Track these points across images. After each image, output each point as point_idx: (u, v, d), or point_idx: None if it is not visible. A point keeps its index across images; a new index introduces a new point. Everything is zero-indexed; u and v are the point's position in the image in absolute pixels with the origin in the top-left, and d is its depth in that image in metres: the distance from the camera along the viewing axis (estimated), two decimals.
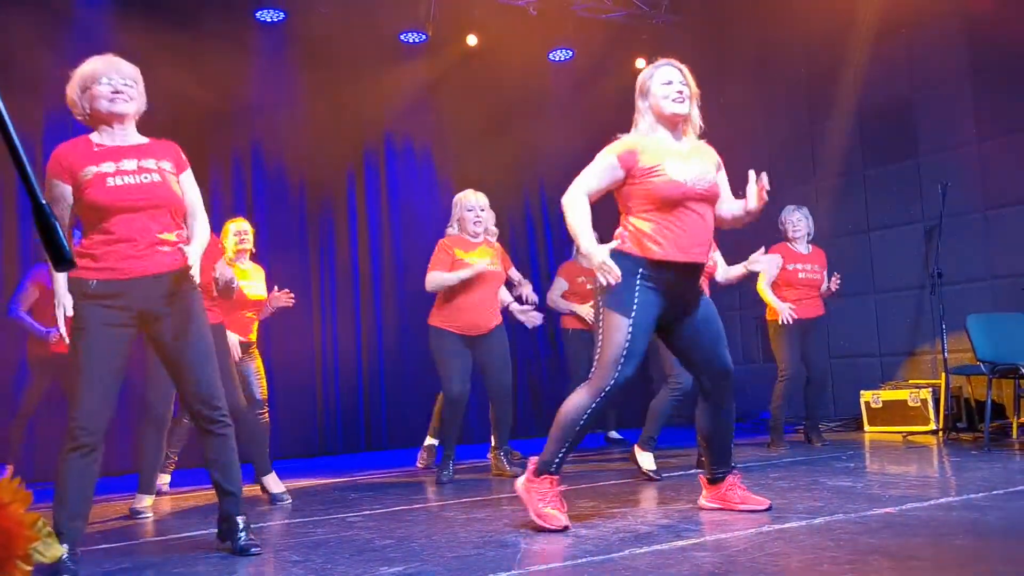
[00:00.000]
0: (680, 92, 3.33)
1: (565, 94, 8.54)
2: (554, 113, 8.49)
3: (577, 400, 3.23)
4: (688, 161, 3.29)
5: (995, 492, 3.49)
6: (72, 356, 2.95)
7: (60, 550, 1.07)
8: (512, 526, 3.32)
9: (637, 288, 3.19)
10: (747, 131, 8.13)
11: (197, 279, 3.10)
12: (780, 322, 5.68)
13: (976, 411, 6.25)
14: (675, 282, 3.24)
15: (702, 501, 3.50)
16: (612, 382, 3.16)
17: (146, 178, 3.01)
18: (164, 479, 5.09)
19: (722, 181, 3.51)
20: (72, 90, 3.08)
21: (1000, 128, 6.58)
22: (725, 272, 5.07)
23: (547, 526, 3.12)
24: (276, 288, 5.10)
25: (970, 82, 6.80)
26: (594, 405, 3.19)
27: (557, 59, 8.49)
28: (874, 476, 4.30)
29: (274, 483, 4.56)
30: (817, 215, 7.68)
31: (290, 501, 4.49)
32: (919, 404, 6.38)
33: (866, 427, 6.69)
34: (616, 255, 3.22)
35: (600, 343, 3.22)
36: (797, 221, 5.95)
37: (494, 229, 5.19)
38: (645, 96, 3.37)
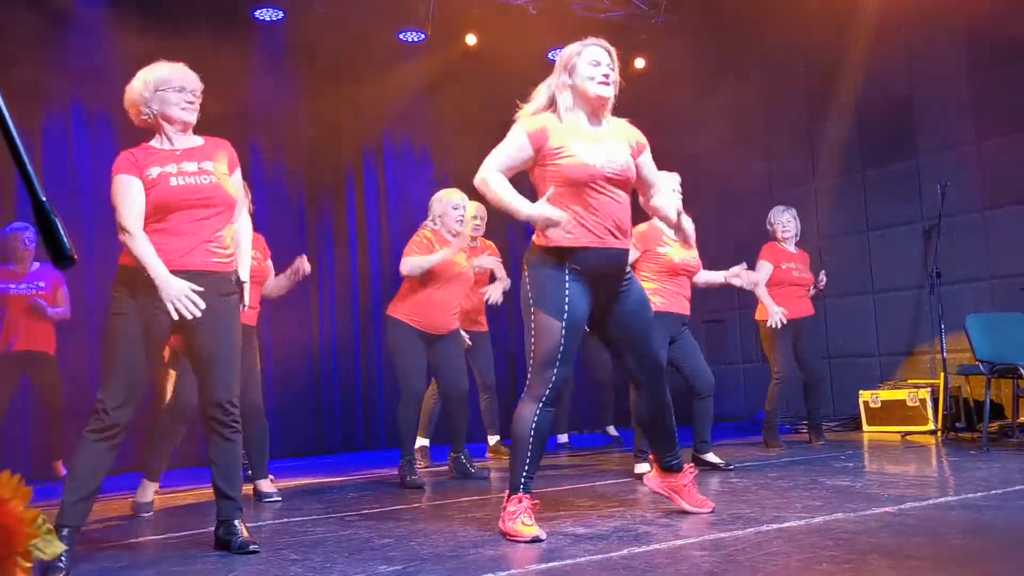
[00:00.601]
0: (606, 75, 3.21)
1: None
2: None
3: (521, 413, 3.11)
4: (600, 143, 3.18)
5: (993, 492, 3.49)
6: (107, 339, 3.07)
7: (60, 547, 1.07)
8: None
9: (567, 284, 3.10)
10: (746, 131, 8.13)
11: (247, 296, 3.29)
12: (770, 323, 5.69)
13: (975, 411, 6.26)
14: (598, 269, 3.12)
15: (651, 484, 3.49)
16: (550, 386, 3.08)
17: (205, 179, 3.14)
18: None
19: (645, 165, 3.36)
20: (142, 90, 3.16)
21: (999, 128, 6.59)
22: (706, 277, 5.05)
23: (517, 541, 2.97)
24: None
25: (969, 82, 6.81)
26: (538, 413, 3.08)
27: (556, 58, 8.48)
28: (873, 476, 4.31)
29: (267, 486, 4.57)
30: (816, 215, 7.72)
31: (280, 501, 4.48)
32: (918, 404, 6.39)
33: (865, 427, 6.70)
34: (537, 249, 3.16)
35: (532, 345, 3.12)
36: (787, 222, 5.96)
37: (476, 233, 5.13)
38: (570, 73, 3.25)
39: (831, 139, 7.75)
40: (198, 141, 3.26)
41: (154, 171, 3.09)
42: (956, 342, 6.18)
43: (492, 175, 3.17)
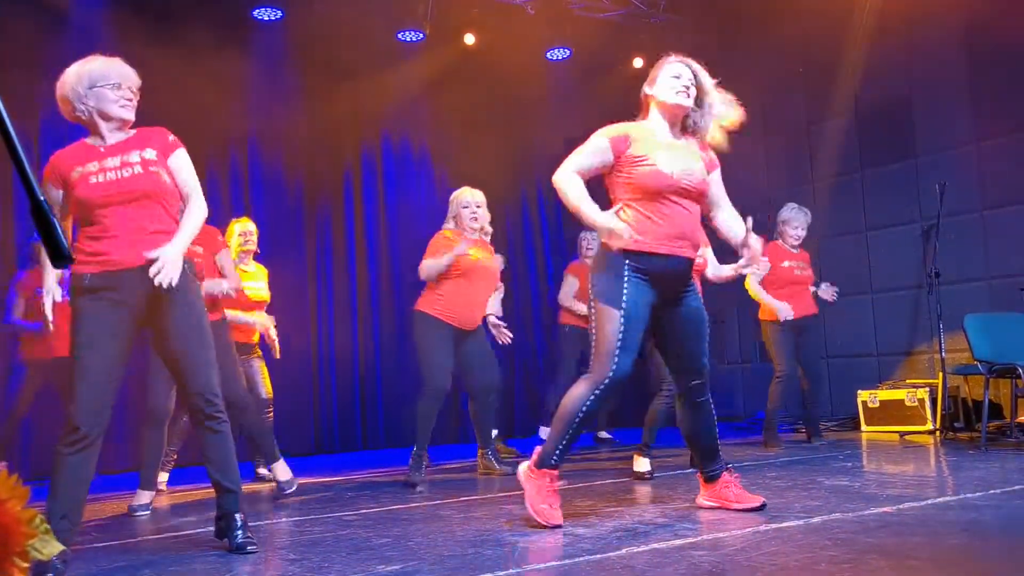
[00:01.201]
0: (686, 87, 3.34)
1: (563, 93, 8.53)
2: (552, 112, 8.48)
3: (576, 392, 3.23)
4: (677, 154, 3.30)
5: (992, 491, 3.49)
6: (71, 350, 2.97)
7: (57, 547, 1.07)
8: (509, 525, 3.32)
9: (626, 279, 3.20)
10: (744, 131, 8.12)
11: (176, 271, 3.00)
12: (779, 321, 5.70)
13: (973, 411, 6.26)
14: (661, 274, 3.24)
15: (700, 500, 3.51)
16: (610, 374, 3.17)
17: (126, 172, 3.03)
18: (162, 477, 5.09)
19: (715, 183, 3.49)
20: (76, 85, 3.06)
21: (998, 128, 6.59)
22: (716, 270, 5.04)
23: (540, 521, 3.14)
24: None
25: (968, 82, 6.81)
26: (592, 398, 3.19)
27: (555, 58, 8.49)
28: (871, 475, 4.31)
29: (283, 471, 4.61)
30: (815, 215, 7.69)
31: (295, 490, 4.56)
32: (916, 404, 6.39)
33: (863, 427, 6.70)
34: (606, 252, 3.25)
35: (595, 336, 3.23)
36: (797, 221, 5.95)
37: (489, 228, 5.13)
38: (652, 84, 3.41)
39: (830, 138, 7.75)
40: (128, 134, 3.15)
41: (76, 172, 3.01)
42: (954, 342, 6.18)
43: (568, 176, 3.28)
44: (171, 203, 3.11)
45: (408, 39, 7.88)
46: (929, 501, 3.34)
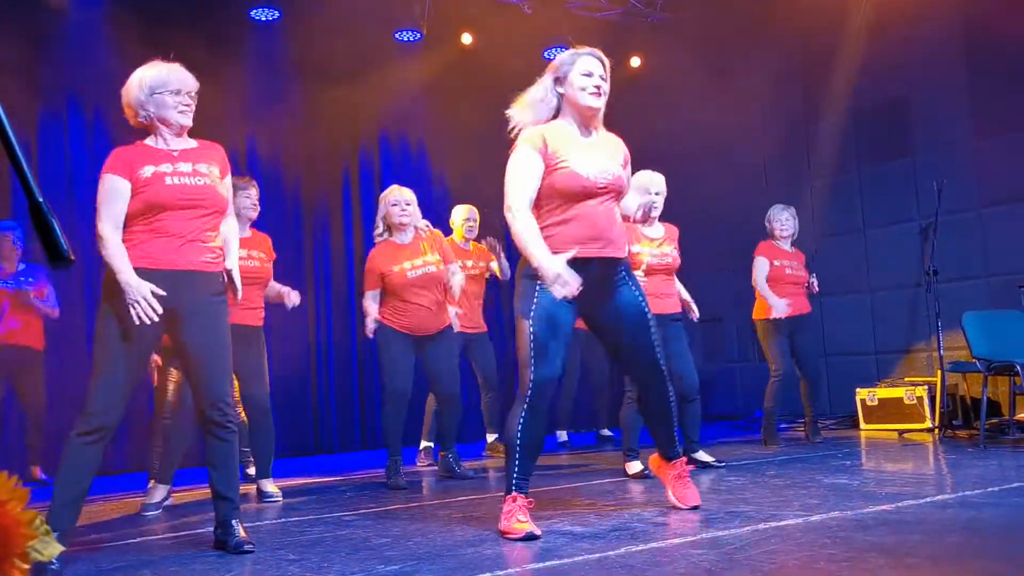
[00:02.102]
0: (598, 86, 3.21)
1: None
2: None
3: (510, 416, 3.17)
4: (591, 154, 3.19)
5: (991, 489, 3.50)
6: (95, 343, 3.06)
7: (58, 548, 1.07)
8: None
9: (538, 288, 3.10)
10: (742, 129, 8.14)
11: (239, 288, 3.30)
12: (770, 318, 5.70)
13: (972, 408, 6.26)
14: (584, 278, 3.04)
15: (651, 462, 3.64)
16: (530, 385, 3.09)
17: (199, 180, 3.15)
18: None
19: (626, 175, 3.38)
20: (137, 92, 3.14)
21: (996, 126, 6.60)
22: (678, 288, 5.02)
23: (513, 538, 3.00)
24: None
25: (966, 80, 6.81)
26: (524, 414, 3.10)
27: (552, 57, 8.47)
28: (870, 473, 4.31)
29: (269, 485, 4.57)
30: (812, 213, 7.72)
31: (280, 500, 4.49)
32: (915, 402, 6.39)
33: (862, 425, 6.70)
34: (524, 261, 3.15)
35: (517, 352, 3.18)
36: (785, 220, 5.96)
37: (423, 223, 5.03)
38: (561, 83, 3.26)
39: (828, 137, 7.75)
40: (192, 143, 3.26)
41: (148, 170, 3.08)
42: (953, 340, 6.19)
43: (523, 216, 3.10)
44: (221, 218, 3.26)
45: (405, 39, 7.88)
46: (928, 499, 3.34)
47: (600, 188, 3.16)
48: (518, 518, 3.04)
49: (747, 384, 8.37)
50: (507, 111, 3.35)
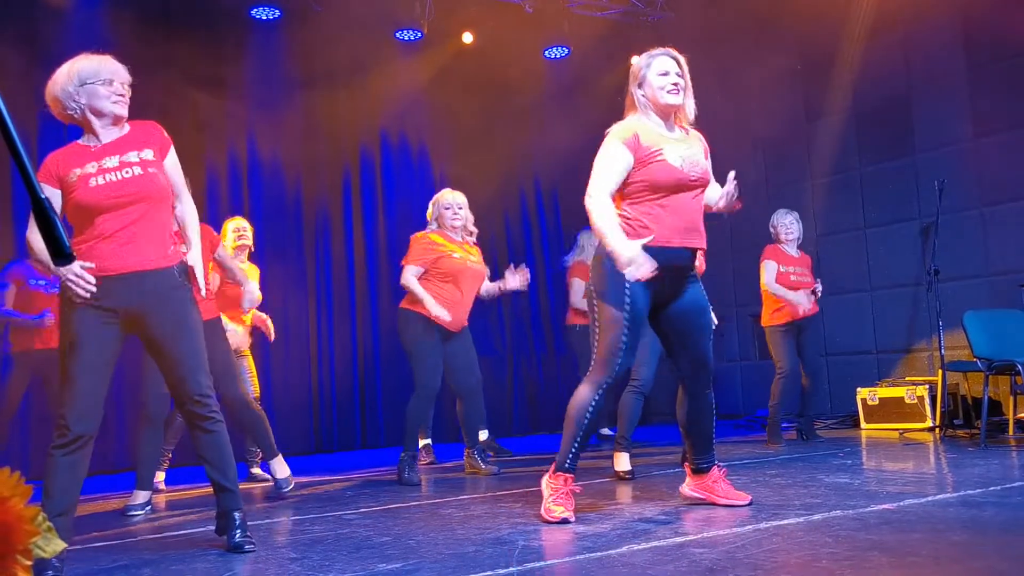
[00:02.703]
0: (676, 84, 3.33)
1: (561, 92, 8.54)
2: (550, 110, 8.49)
3: (581, 396, 3.26)
4: (682, 148, 3.31)
5: (992, 488, 3.49)
6: (60, 351, 2.97)
7: (61, 544, 1.06)
8: (510, 523, 3.32)
9: (628, 280, 3.16)
10: (743, 128, 8.13)
11: (202, 281, 3.16)
12: (782, 326, 5.73)
13: (973, 408, 6.26)
14: (666, 267, 3.21)
15: (685, 489, 3.54)
16: (613, 374, 3.21)
17: (127, 173, 3.00)
18: (159, 476, 5.08)
19: (709, 169, 3.51)
20: (66, 83, 3.02)
21: (997, 125, 6.59)
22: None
23: (547, 519, 3.19)
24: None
25: (967, 79, 6.81)
26: (597, 398, 3.24)
27: (553, 56, 8.49)
28: (871, 473, 4.31)
29: (280, 467, 4.59)
30: (813, 212, 7.73)
31: (292, 488, 4.54)
32: (916, 401, 6.39)
33: (863, 424, 6.70)
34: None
35: (597, 336, 3.25)
36: (789, 224, 5.97)
37: (473, 228, 5.07)
38: (640, 84, 3.37)
39: (828, 136, 7.75)
40: (124, 130, 3.11)
41: (74, 173, 2.96)
42: (954, 339, 6.19)
43: (601, 202, 3.19)
44: (166, 205, 3.10)
45: (406, 38, 7.89)
46: (929, 498, 3.34)
47: (692, 180, 3.28)
48: (560, 501, 3.21)
49: (747, 383, 8.37)
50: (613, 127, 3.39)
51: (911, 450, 5.26)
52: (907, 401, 6.44)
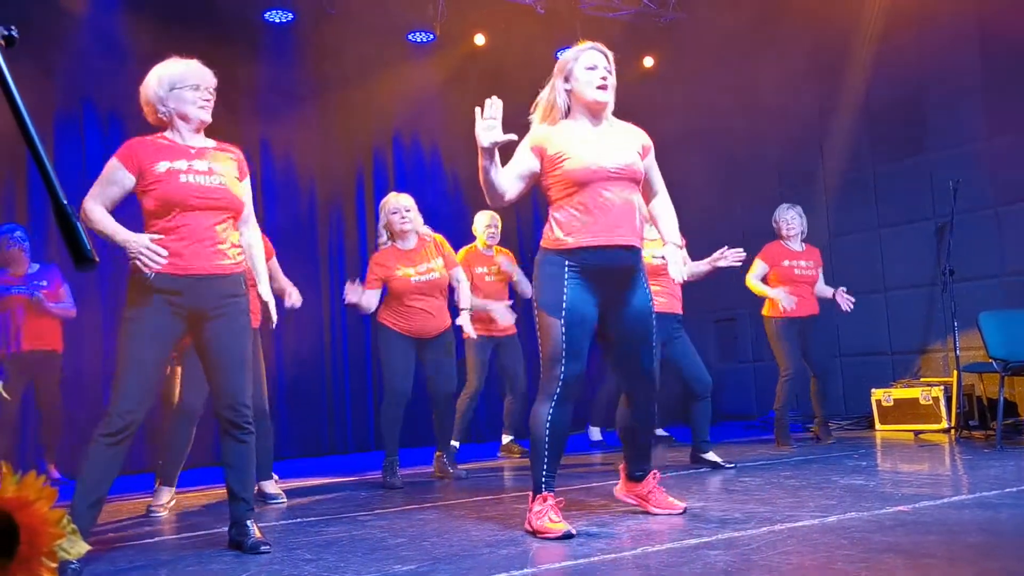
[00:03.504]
0: (604, 79, 3.25)
1: None
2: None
3: (535, 414, 3.15)
4: (600, 143, 3.21)
5: (1008, 490, 3.48)
6: (119, 342, 3.05)
7: (84, 547, 1.08)
8: (524, 525, 3.32)
9: (566, 282, 3.13)
10: (755, 128, 8.12)
11: (274, 312, 3.39)
12: (779, 318, 5.70)
13: (988, 409, 6.23)
14: (602, 268, 3.14)
15: (619, 493, 3.56)
16: (560, 381, 3.09)
17: (215, 180, 3.13)
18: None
19: (649, 164, 3.38)
20: (156, 88, 3.13)
21: (1011, 124, 6.55)
22: (691, 268, 4.97)
23: (547, 537, 3.01)
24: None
25: (981, 78, 6.77)
26: (551, 411, 3.10)
27: None
28: (886, 474, 4.29)
29: (271, 487, 4.59)
30: (826, 212, 7.70)
31: (284, 502, 4.49)
32: (931, 402, 6.36)
33: (877, 425, 6.67)
34: (542, 251, 3.23)
35: (540, 344, 3.17)
36: (791, 219, 5.94)
37: (425, 230, 5.12)
38: (567, 79, 3.30)
39: (842, 135, 7.72)
40: (210, 143, 3.26)
41: (163, 165, 3.07)
42: (969, 339, 6.15)
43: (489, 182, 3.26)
44: (239, 218, 3.26)
45: (418, 40, 7.89)
46: (945, 500, 3.33)
47: (609, 174, 3.15)
48: (551, 517, 3.05)
49: (760, 384, 8.35)
50: (529, 118, 3.39)
51: (926, 451, 5.24)
52: (922, 402, 6.41)
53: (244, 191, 3.28)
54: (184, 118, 3.16)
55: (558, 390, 3.10)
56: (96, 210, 3.05)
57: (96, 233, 3.04)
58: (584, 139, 3.22)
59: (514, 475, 5.18)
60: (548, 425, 3.11)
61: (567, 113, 3.31)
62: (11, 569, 1.01)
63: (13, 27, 1.28)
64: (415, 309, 4.92)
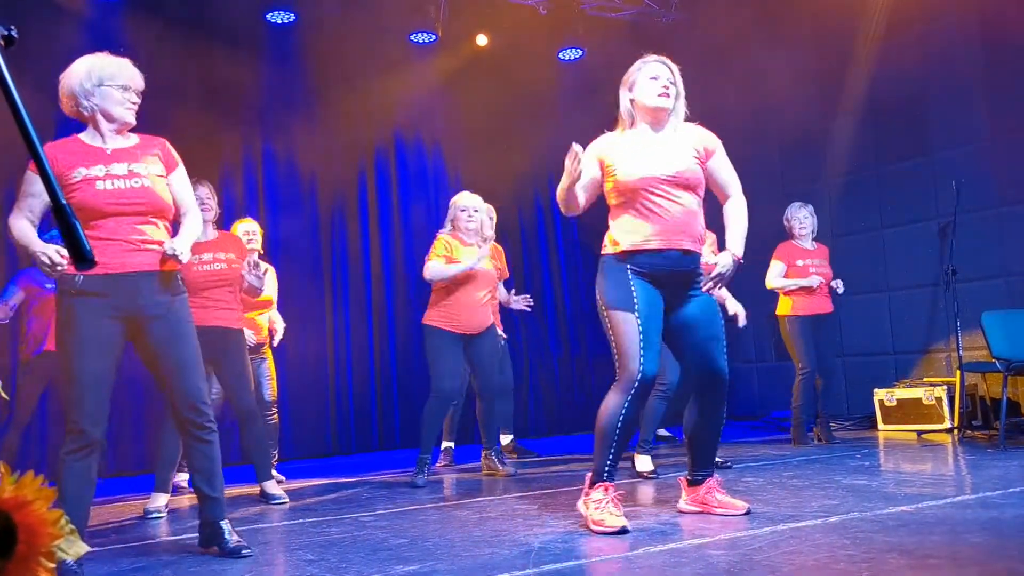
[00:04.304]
0: (666, 87, 3.34)
1: (575, 93, 8.54)
2: (564, 112, 8.49)
3: (609, 404, 3.20)
4: (655, 150, 3.30)
5: (1011, 490, 3.47)
6: (63, 356, 2.93)
7: (83, 547, 1.08)
8: (526, 525, 3.32)
9: (631, 280, 3.20)
10: (758, 128, 8.11)
11: (184, 259, 3.05)
12: (795, 315, 5.74)
13: (991, 409, 6.22)
14: (662, 271, 3.23)
15: (681, 504, 3.49)
16: (638, 377, 3.14)
17: (136, 183, 2.99)
18: (182, 477, 5.10)
19: (717, 169, 3.43)
20: (84, 80, 2.99)
21: (1014, 124, 6.54)
22: (726, 294, 5.12)
23: (604, 531, 3.04)
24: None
25: (983, 78, 6.76)
26: (626, 404, 3.16)
27: (567, 58, 8.49)
28: (889, 474, 4.29)
29: (273, 487, 4.58)
30: (830, 212, 7.69)
31: (286, 502, 4.48)
32: (934, 402, 6.35)
33: (880, 425, 6.66)
34: (603, 258, 3.32)
35: (614, 343, 3.22)
36: (803, 218, 5.97)
37: (488, 233, 5.18)
38: (630, 89, 3.41)
39: (844, 136, 7.72)
40: (132, 140, 3.10)
41: (79, 173, 2.93)
42: (972, 339, 6.14)
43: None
44: (167, 217, 3.11)
45: (420, 41, 7.89)
46: (948, 500, 3.32)
47: (663, 180, 3.24)
48: (611, 511, 3.11)
49: (764, 384, 8.34)
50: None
51: (929, 451, 5.23)
52: (925, 402, 6.40)
53: (177, 186, 3.14)
54: (108, 117, 3.02)
55: (636, 386, 3.15)
56: (15, 225, 2.95)
57: (16, 247, 2.96)
58: (640, 147, 3.31)
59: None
60: (622, 418, 3.17)
61: (632, 122, 3.41)
62: (9, 569, 1.01)
63: (13, 27, 1.28)
64: (474, 300, 4.95)
